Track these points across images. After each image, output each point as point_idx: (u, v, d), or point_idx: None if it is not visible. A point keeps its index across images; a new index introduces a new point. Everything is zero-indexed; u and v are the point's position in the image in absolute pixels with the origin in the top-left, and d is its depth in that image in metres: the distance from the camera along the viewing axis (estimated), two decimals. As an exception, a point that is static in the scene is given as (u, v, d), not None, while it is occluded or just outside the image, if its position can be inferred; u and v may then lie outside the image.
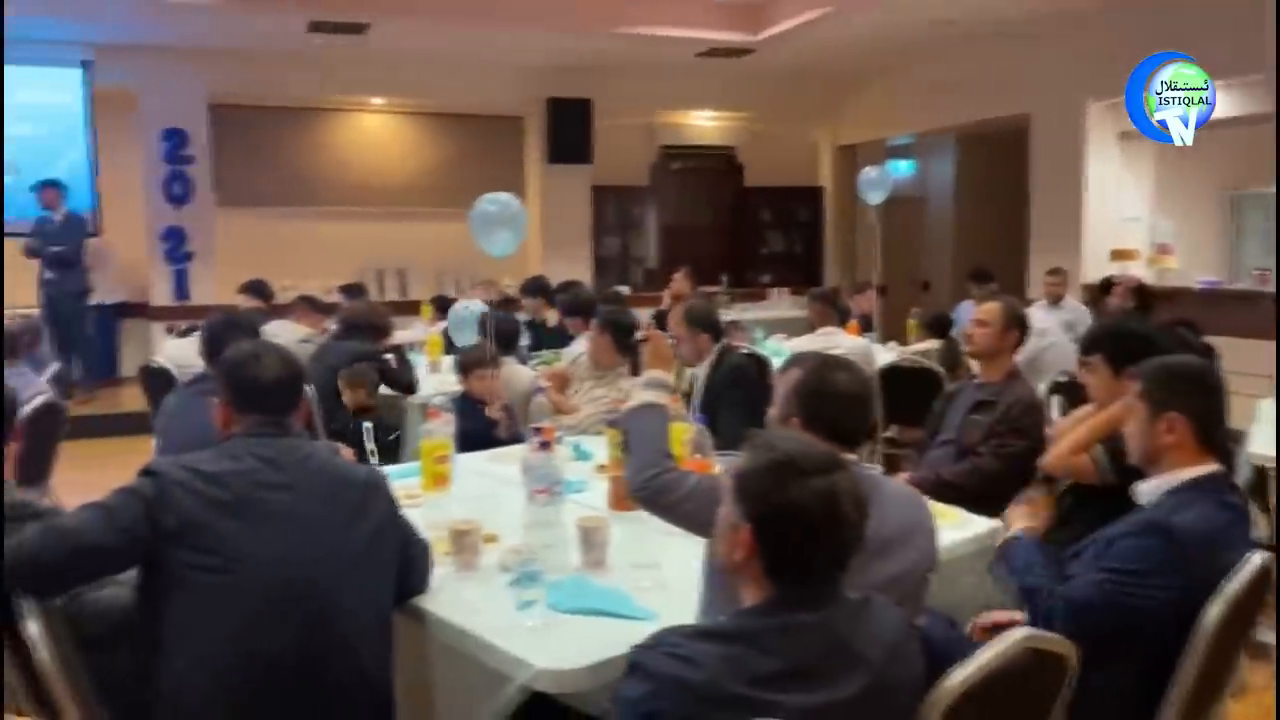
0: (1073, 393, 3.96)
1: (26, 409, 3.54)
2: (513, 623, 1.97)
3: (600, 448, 3.38)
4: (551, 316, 6.44)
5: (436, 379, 5.33)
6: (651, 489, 2.02)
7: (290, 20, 7.44)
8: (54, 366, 5.00)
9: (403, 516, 2.16)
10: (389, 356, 4.97)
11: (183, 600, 1.85)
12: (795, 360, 2.06)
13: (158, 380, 5.00)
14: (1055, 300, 6.86)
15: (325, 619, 1.90)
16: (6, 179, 8.39)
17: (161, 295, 8.74)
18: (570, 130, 9.57)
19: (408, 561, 2.12)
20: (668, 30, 8.11)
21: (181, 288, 8.73)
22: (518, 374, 4.67)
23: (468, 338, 5.29)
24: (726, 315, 7.05)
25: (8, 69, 8.28)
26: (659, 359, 2.26)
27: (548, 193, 9.85)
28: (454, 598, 2.15)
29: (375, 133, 9.88)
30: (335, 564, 1.94)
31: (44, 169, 8.20)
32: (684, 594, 2.06)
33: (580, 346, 4.99)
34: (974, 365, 3.90)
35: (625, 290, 8.97)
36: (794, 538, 1.44)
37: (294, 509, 1.94)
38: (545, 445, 2.41)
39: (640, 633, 1.91)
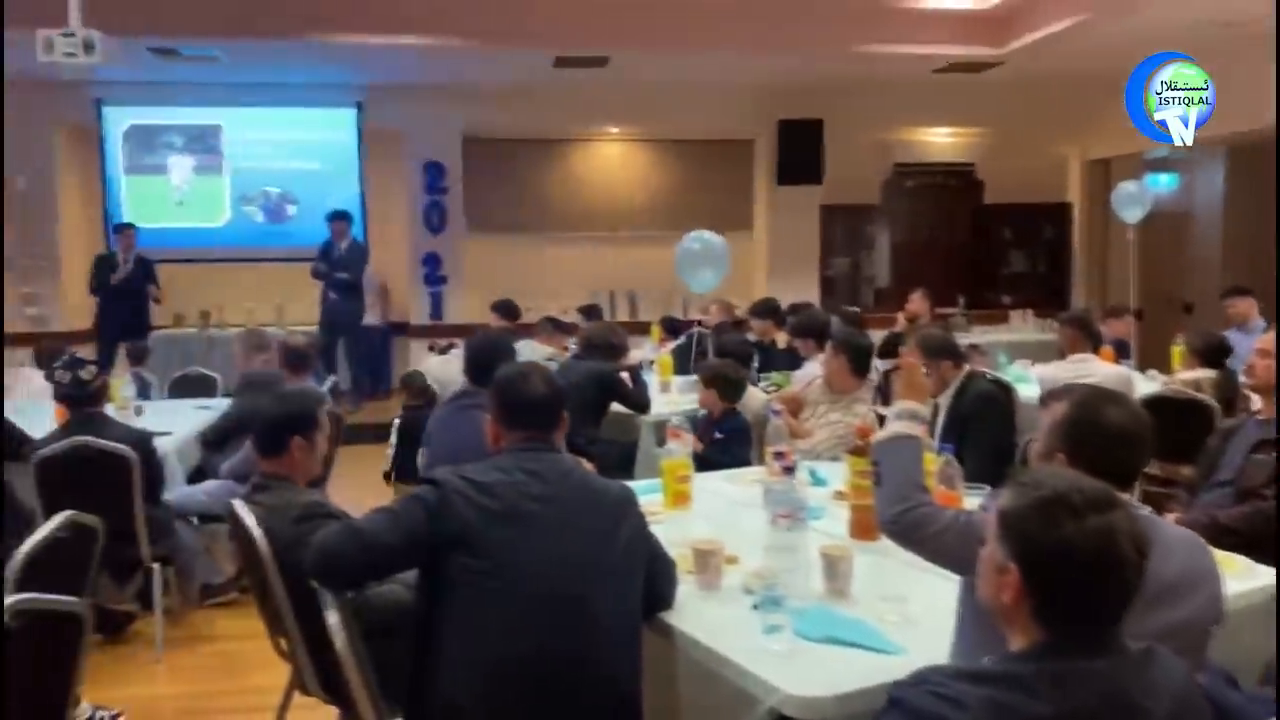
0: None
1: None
2: (759, 646, 1.99)
3: (835, 474, 3.35)
4: (781, 338, 6.43)
5: (666, 399, 5.45)
6: (904, 523, 1.98)
7: (538, 57, 7.90)
8: (331, 380, 5.54)
9: (651, 532, 2.23)
10: (624, 375, 5.14)
11: (457, 601, 2.00)
12: (1061, 392, 1.96)
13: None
14: (1348, 327, 6.11)
15: (585, 627, 2.00)
16: (290, 210, 9.42)
17: (419, 315, 9.48)
18: (800, 151, 9.55)
19: (655, 576, 2.19)
20: (906, 48, 7.93)
21: (437, 308, 9.44)
22: (750, 395, 4.69)
23: None
24: (964, 338, 6.79)
25: (293, 111, 9.33)
26: (912, 388, 2.20)
27: (776, 213, 9.88)
28: (698, 616, 2.19)
29: (611, 160, 10.26)
30: (594, 575, 2.04)
31: (322, 201, 9.13)
32: (933, 630, 2.01)
33: (812, 369, 4.96)
34: (1254, 400, 3.55)
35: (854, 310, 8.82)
36: (1067, 580, 1.37)
37: (557, 520, 2.05)
38: (789, 470, 2.42)
39: (889, 667, 1.90)
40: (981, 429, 3.60)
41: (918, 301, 7.47)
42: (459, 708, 1.98)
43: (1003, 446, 3.68)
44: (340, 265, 8.56)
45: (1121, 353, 6.30)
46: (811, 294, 9.38)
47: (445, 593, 2.01)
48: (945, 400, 3.71)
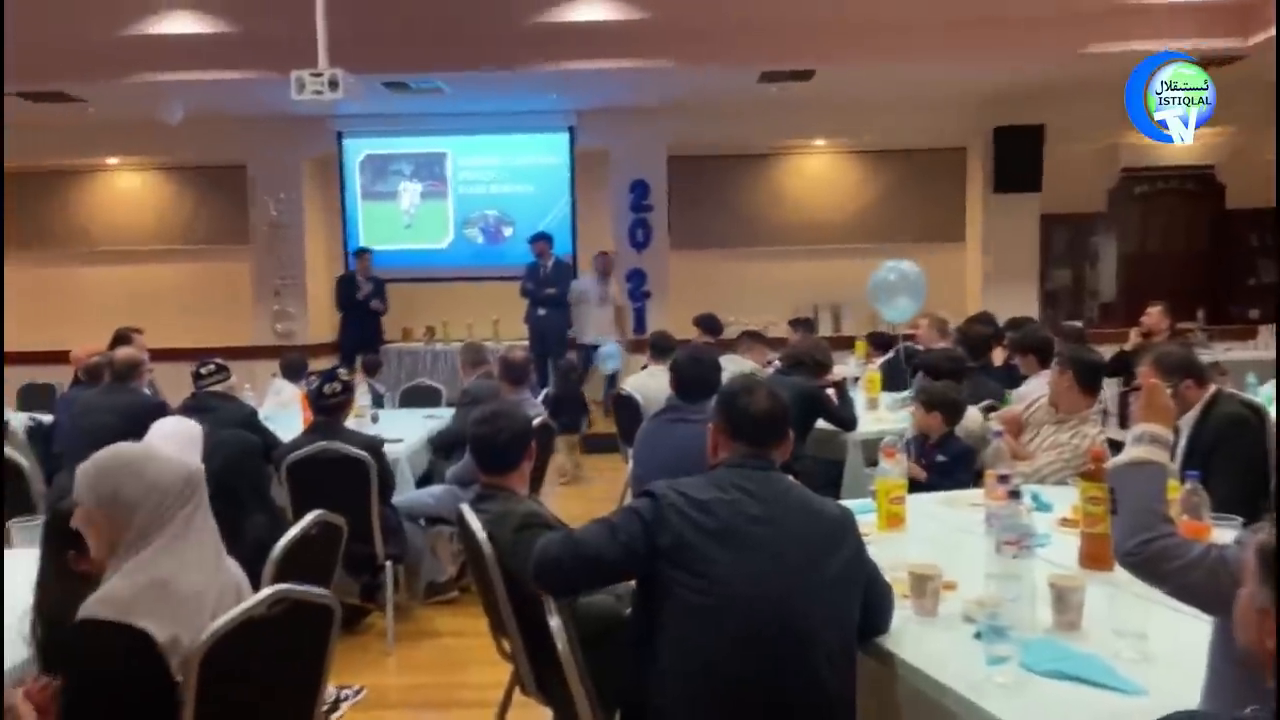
0: None
1: (529, 429, 4.12)
2: (982, 676, 1.91)
3: (1061, 499, 3.16)
4: (998, 355, 6.13)
5: (874, 416, 5.32)
6: (1145, 555, 1.84)
7: (743, 73, 7.94)
8: (544, 392, 5.77)
9: (869, 556, 2.19)
10: (829, 392, 5.06)
11: (671, 614, 2.03)
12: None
13: (625, 406, 5.56)
14: None
15: (797, 649, 1.98)
16: (506, 231, 9.90)
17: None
18: (1018, 158, 9.17)
19: (872, 601, 2.14)
20: (1139, 44, 7.40)
21: (640, 324, 9.64)
22: (967, 416, 4.50)
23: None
24: (1205, 356, 6.23)
25: (511, 137, 9.82)
26: (1154, 410, 2.03)
27: (991, 223, 9.50)
28: (916, 643, 2.13)
29: (816, 173, 10.16)
30: (808, 596, 2.01)
31: (535, 221, 9.56)
32: (1175, 670, 1.88)
33: (1033, 387, 4.71)
34: None
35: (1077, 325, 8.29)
36: None
37: (773, 541, 2.04)
38: (1014, 494, 2.31)
39: (1126, 709, 1.78)
40: (1230, 455, 3.29)
41: (1155, 316, 6.90)
42: (673, 718, 2.01)
43: (1255, 475, 3.35)
44: (548, 283, 8.92)
45: (1396, 373, 5.59)
46: (1030, 308, 8.91)
47: (660, 605, 2.04)
48: (1187, 424, 3.42)
